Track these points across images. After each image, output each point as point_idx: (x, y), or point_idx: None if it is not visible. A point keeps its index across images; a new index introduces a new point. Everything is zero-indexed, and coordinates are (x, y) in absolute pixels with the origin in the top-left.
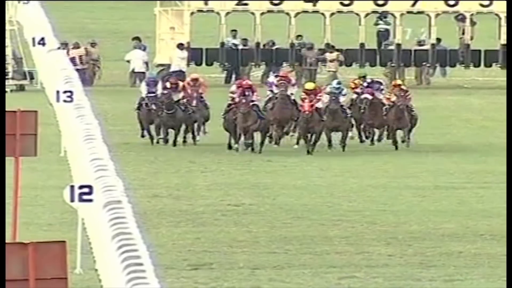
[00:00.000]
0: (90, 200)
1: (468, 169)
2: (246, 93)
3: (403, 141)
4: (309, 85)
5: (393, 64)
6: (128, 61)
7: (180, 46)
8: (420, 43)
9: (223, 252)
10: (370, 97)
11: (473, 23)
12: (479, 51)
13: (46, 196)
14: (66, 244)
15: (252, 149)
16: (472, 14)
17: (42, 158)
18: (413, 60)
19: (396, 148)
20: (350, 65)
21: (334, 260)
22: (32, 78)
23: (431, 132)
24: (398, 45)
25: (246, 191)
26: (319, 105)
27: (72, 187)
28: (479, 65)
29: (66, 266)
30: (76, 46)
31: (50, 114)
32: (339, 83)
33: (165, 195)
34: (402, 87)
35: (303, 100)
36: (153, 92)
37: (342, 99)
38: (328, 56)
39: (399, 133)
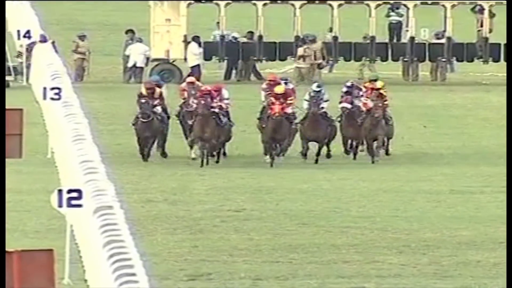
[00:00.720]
0: (80, 205)
1: (486, 172)
2: (205, 98)
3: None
4: (279, 89)
5: (406, 59)
6: (128, 56)
7: (196, 39)
8: (437, 36)
9: (223, 261)
10: (349, 106)
11: (491, 15)
12: (499, 44)
13: (32, 201)
14: (54, 252)
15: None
16: (491, 5)
17: (28, 160)
18: (428, 55)
19: (373, 162)
20: (359, 60)
21: (342, 270)
22: (16, 74)
23: (447, 132)
24: (412, 38)
25: (247, 195)
26: (289, 110)
27: (60, 191)
28: (498, 60)
29: (53, 276)
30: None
31: (37, 112)
32: (319, 86)
33: (160, 200)
34: (381, 91)
35: (272, 103)
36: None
37: (324, 105)
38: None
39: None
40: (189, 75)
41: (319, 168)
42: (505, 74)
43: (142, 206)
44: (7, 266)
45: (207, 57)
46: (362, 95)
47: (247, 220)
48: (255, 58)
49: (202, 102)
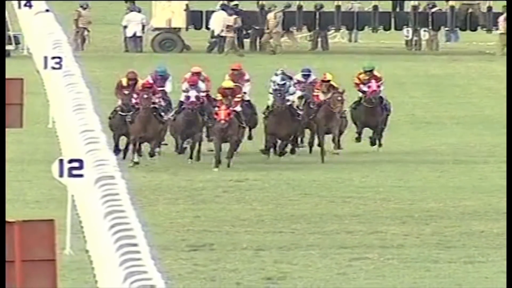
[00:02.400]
0: (81, 176)
1: (490, 142)
2: (146, 93)
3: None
4: (227, 84)
5: (408, 27)
6: (125, 27)
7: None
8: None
9: (225, 231)
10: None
11: None
12: (502, 14)
13: (33, 171)
14: (55, 223)
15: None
16: None
17: (28, 130)
18: (430, 23)
19: (323, 160)
20: (362, 29)
21: (345, 240)
22: (17, 43)
23: (450, 102)
24: (414, 7)
25: (249, 165)
26: (238, 108)
27: (61, 161)
28: None
29: (54, 246)
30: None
31: (37, 82)
32: (283, 79)
33: (162, 170)
34: (332, 83)
35: (220, 103)
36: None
37: (290, 97)
38: (226, 20)
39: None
40: (209, 46)
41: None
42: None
43: (143, 176)
44: (8, 236)
45: (287, 26)
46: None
47: (249, 190)
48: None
49: (145, 96)
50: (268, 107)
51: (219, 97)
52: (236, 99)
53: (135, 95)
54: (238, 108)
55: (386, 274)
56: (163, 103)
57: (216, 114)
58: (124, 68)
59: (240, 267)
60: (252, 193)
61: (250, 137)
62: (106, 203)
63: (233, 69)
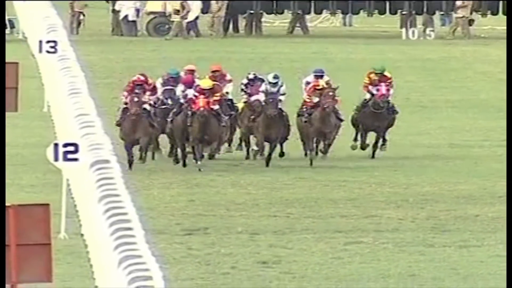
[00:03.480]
0: (76, 159)
1: (485, 125)
2: (137, 92)
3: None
4: (205, 83)
5: (404, 12)
6: (118, 11)
7: None
8: None
9: (220, 215)
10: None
11: None
12: None
13: (28, 155)
14: (50, 207)
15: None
16: None
17: (23, 113)
18: (426, 8)
19: (311, 164)
20: (358, 13)
21: (340, 224)
22: (12, 26)
23: (445, 85)
24: None
25: (244, 149)
26: (217, 107)
27: (56, 145)
28: (497, 13)
29: (49, 230)
30: None
31: (33, 66)
32: (276, 77)
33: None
34: (330, 93)
35: (196, 98)
36: (171, 90)
37: (282, 98)
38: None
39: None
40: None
41: None
42: (504, 28)
43: (138, 160)
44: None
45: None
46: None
47: (244, 174)
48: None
49: (135, 99)
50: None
51: (197, 95)
52: (215, 98)
53: (125, 93)
54: (217, 107)
55: (381, 258)
56: (152, 102)
57: (194, 103)
58: (119, 52)
59: (235, 251)
60: (247, 177)
61: (229, 142)
62: (101, 187)
63: (213, 71)
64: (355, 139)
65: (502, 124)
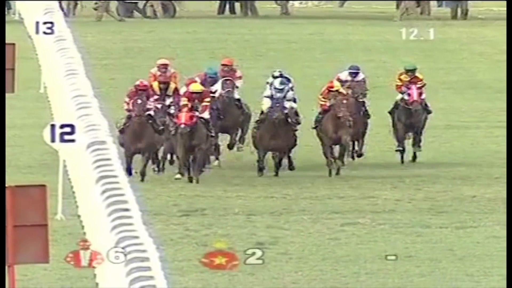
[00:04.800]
0: (72, 141)
1: (481, 107)
2: (140, 97)
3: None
4: (195, 87)
5: None
6: None
7: None
8: None
9: (217, 196)
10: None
11: None
12: None
13: (25, 136)
14: (46, 188)
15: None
16: None
17: (20, 94)
18: None
19: (336, 173)
20: None
21: (337, 206)
22: (9, 8)
23: (442, 67)
24: None
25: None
26: (206, 115)
27: (52, 126)
28: None
29: (46, 211)
30: None
31: (29, 47)
32: (283, 82)
33: None
34: (341, 91)
35: (183, 106)
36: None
37: (287, 104)
38: None
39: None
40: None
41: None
42: (501, 9)
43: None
44: None
45: None
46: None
47: (241, 155)
48: None
49: (138, 101)
50: (262, 112)
51: (184, 101)
52: (204, 104)
53: (127, 99)
54: (206, 115)
55: (377, 239)
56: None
57: (177, 117)
58: (115, 33)
59: (231, 232)
60: (244, 158)
61: (242, 140)
62: (98, 168)
63: (223, 64)
64: (398, 145)
65: (499, 105)
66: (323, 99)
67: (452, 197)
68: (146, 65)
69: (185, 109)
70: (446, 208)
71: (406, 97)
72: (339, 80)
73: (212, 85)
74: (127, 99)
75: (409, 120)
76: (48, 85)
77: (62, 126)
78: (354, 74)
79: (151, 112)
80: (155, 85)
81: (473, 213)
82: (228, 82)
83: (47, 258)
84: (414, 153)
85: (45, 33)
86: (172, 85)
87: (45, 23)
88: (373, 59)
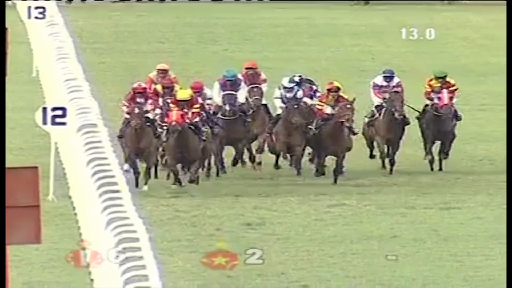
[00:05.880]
0: (64, 123)
1: (465, 90)
2: (138, 100)
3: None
4: (182, 94)
5: None
6: None
7: None
8: None
9: (205, 178)
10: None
11: None
12: None
13: (17, 119)
14: (38, 170)
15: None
16: None
17: (12, 78)
18: None
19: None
20: None
21: (323, 187)
22: None
23: (425, 50)
24: None
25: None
26: (197, 120)
27: (44, 109)
28: None
29: (38, 193)
30: None
31: (21, 31)
32: (292, 81)
33: None
34: (341, 94)
35: (170, 110)
36: (232, 95)
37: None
38: None
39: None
40: None
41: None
42: None
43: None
44: None
45: None
46: (316, 90)
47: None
48: None
49: (136, 111)
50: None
51: (173, 108)
52: (193, 110)
53: (126, 103)
54: (197, 119)
55: (363, 220)
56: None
57: (167, 116)
58: (106, 18)
59: (220, 213)
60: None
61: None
62: (89, 151)
63: (247, 68)
64: (426, 153)
65: (482, 88)
66: (321, 103)
67: (436, 178)
68: (135, 49)
69: (176, 108)
70: (430, 190)
71: (436, 101)
72: (374, 85)
73: (232, 88)
74: (125, 103)
75: (438, 127)
76: (40, 68)
77: (53, 109)
78: (389, 78)
79: (150, 115)
80: (159, 87)
81: (457, 195)
82: (255, 89)
83: (39, 238)
84: (440, 161)
85: (37, 17)
86: (177, 87)
87: (37, 8)
88: (358, 44)
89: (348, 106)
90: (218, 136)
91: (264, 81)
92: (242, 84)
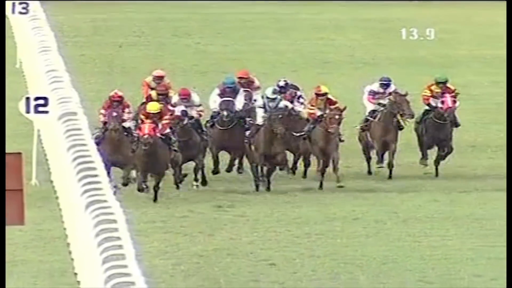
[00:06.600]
0: (46, 112)
1: (424, 80)
2: (115, 108)
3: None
4: (152, 106)
5: None
6: None
7: None
8: None
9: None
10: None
11: None
12: None
13: None
14: (22, 155)
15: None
16: None
17: None
18: None
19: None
20: None
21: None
22: None
23: (383, 43)
24: None
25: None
26: (167, 131)
27: (27, 98)
28: None
29: (22, 177)
30: None
31: (6, 26)
32: (275, 91)
33: None
34: (330, 97)
35: (141, 122)
36: (229, 101)
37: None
38: None
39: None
40: None
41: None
42: None
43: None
44: None
45: None
46: (300, 96)
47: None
48: None
49: (114, 114)
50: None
51: (143, 119)
52: (164, 122)
53: (103, 111)
54: (168, 131)
55: (328, 202)
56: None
57: (139, 129)
58: (85, 13)
59: (192, 197)
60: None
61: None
62: (69, 138)
63: (239, 77)
64: (422, 158)
65: (471, 79)
66: (311, 107)
67: (396, 163)
68: (113, 42)
69: (148, 121)
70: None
71: (440, 105)
72: (370, 92)
73: (231, 95)
74: (102, 111)
75: (437, 133)
76: (24, 60)
77: (36, 99)
78: (386, 85)
79: (127, 124)
80: (154, 94)
81: (415, 179)
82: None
83: (23, 220)
84: (436, 168)
85: (20, 13)
86: (172, 94)
87: (20, 3)
88: (322, 37)
89: (337, 116)
90: (213, 142)
91: (258, 88)
92: (241, 91)
